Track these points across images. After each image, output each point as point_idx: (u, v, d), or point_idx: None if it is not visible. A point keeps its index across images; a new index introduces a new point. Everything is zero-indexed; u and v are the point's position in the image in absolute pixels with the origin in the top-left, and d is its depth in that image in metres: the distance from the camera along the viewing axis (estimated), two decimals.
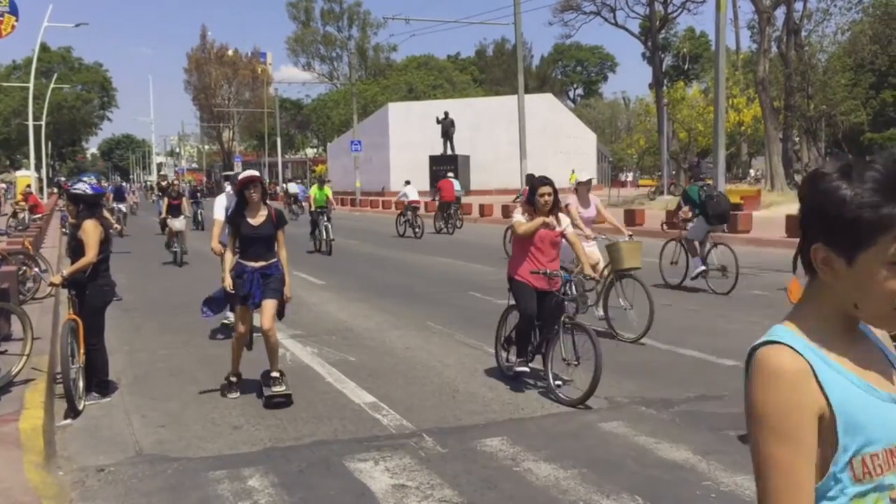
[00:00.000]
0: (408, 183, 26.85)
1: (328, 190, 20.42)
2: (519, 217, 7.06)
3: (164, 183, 28.40)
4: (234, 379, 6.97)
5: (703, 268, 12.16)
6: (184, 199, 18.80)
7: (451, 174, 28.83)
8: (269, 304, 6.73)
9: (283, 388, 6.65)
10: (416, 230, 23.94)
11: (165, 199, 18.45)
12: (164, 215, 18.14)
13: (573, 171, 44.95)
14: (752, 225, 20.89)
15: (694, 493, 4.67)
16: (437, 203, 26.59)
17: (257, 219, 6.81)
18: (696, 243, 12.33)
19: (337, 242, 19.55)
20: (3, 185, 36.78)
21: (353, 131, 55.06)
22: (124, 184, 38.02)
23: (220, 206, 9.63)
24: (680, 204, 13.17)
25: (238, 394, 6.88)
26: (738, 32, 57.71)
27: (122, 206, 29.08)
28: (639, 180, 68.32)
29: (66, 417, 6.34)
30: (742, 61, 53.83)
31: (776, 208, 27.77)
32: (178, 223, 17.62)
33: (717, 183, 21.60)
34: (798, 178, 40.70)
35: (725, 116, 24.62)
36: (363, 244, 22.02)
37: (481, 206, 31.49)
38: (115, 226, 13.83)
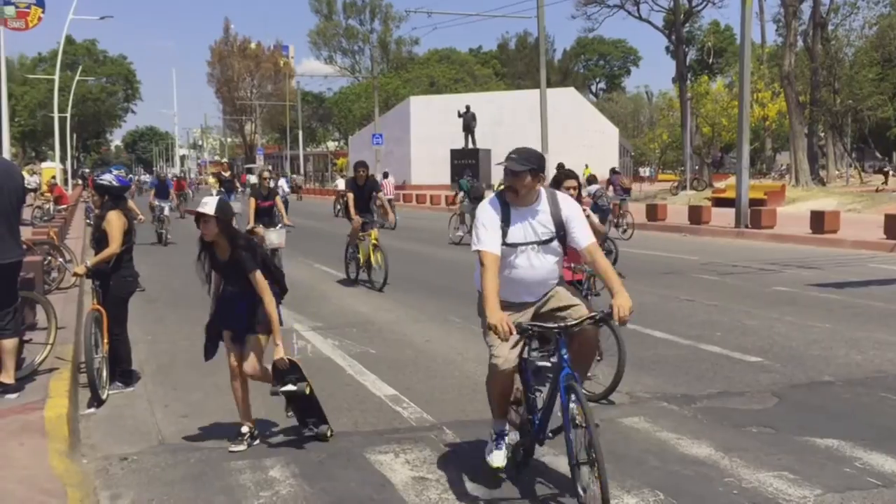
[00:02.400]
0: (343, 176, 37.67)
1: (497, 186, 17.05)
2: None
3: (226, 174, 22.99)
4: (245, 429, 5.47)
5: (463, 234, 19.74)
6: (278, 199, 12.98)
7: (389, 174, 35.11)
8: (253, 342, 5.40)
9: (244, 448, 5.36)
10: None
11: (252, 201, 12.64)
12: (251, 224, 12.28)
13: (586, 166, 44.98)
14: (777, 221, 20.67)
15: (716, 489, 4.64)
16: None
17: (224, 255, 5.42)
18: (467, 215, 19.85)
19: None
20: (36, 178, 35.46)
21: (374, 125, 55.25)
22: (169, 176, 29.25)
23: (490, 217, 4.53)
24: (456, 191, 22.94)
25: (245, 446, 5.39)
26: (763, 26, 57.10)
27: (165, 205, 21.20)
28: (657, 175, 67.77)
29: (89, 406, 6.40)
30: (767, 55, 53.31)
31: (801, 204, 27.53)
32: (274, 235, 12.06)
33: (741, 177, 21.44)
34: (823, 173, 40.30)
35: (750, 111, 24.39)
36: (382, 237, 22.01)
37: None
38: (139, 217, 12.02)
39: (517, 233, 4.49)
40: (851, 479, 4.74)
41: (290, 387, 5.34)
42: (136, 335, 7.87)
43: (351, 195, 12.98)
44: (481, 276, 4.35)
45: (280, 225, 12.49)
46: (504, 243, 4.44)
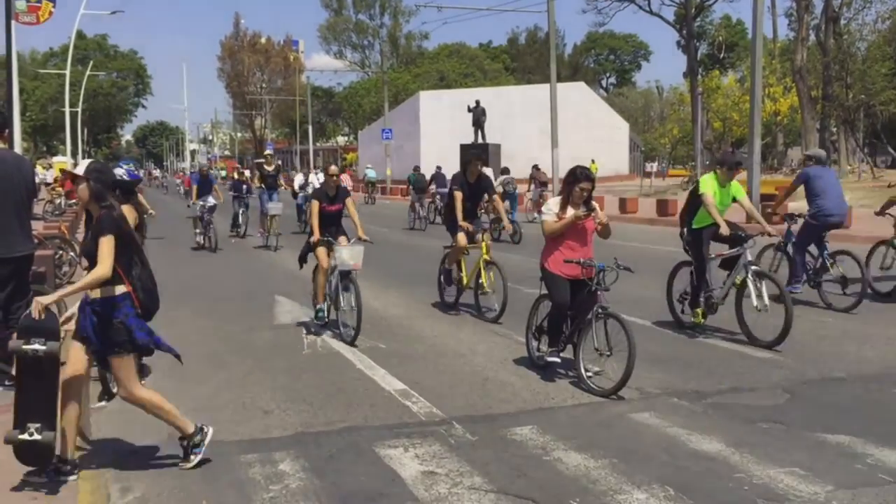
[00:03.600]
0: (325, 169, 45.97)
1: (739, 188, 9.23)
2: (548, 215, 6.98)
3: (269, 168, 19.59)
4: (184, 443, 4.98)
5: (412, 220, 23.50)
6: (349, 202, 9.29)
7: (369, 168, 39.49)
8: (114, 366, 4.83)
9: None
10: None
11: (315, 204, 9.12)
12: (316, 236, 8.90)
13: (593, 161, 44.97)
14: None
15: (726, 485, 4.62)
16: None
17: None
18: (416, 204, 23.65)
19: (365, 229, 17.12)
20: (51, 172, 35.10)
21: (384, 119, 55.26)
22: (211, 170, 24.18)
23: None
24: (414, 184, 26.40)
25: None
26: (775, 20, 56.82)
27: (209, 203, 17.62)
28: (666, 170, 67.37)
29: (100, 400, 6.41)
30: (779, 50, 53.05)
31: None
32: (346, 253, 8.52)
33: (752, 173, 21.34)
34: (835, 168, 40.07)
35: (762, 106, 24.28)
36: (392, 231, 22.05)
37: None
38: (150, 211, 11.61)
39: None
40: (863, 476, 4.71)
41: (36, 345, 4.37)
42: None
43: (459, 195, 9.86)
44: None
45: (354, 239, 8.86)
46: None
